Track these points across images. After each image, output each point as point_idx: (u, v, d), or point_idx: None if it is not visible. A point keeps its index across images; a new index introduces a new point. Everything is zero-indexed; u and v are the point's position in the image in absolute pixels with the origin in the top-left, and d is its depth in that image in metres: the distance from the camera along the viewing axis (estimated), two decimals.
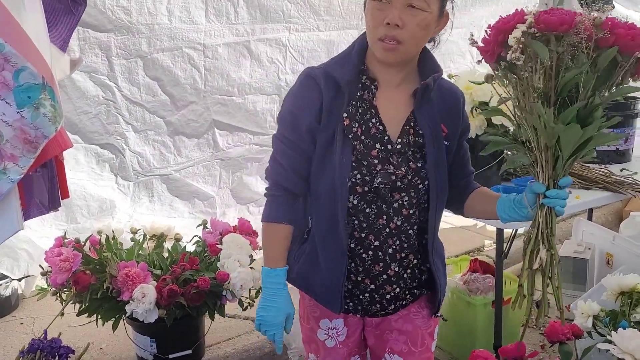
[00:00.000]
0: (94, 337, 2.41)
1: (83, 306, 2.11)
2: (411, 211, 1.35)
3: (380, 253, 1.35)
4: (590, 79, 1.13)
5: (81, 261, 2.10)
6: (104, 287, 2.06)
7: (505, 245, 2.28)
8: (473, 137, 2.14)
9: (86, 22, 2.51)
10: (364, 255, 1.36)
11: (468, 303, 2.38)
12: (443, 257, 1.48)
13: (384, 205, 1.33)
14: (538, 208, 1.24)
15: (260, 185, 3.28)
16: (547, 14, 1.12)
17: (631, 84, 1.19)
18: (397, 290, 1.39)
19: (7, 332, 2.59)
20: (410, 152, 1.33)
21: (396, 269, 1.37)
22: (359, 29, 3.57)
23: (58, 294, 2.16)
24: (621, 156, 2.71)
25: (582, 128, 1.13)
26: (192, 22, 2.78)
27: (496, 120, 2.12)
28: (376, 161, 1.31)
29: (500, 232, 2.28)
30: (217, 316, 2.23)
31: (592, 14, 1.13)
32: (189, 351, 2.24)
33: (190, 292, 2.07)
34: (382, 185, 1.31)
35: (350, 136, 1.30)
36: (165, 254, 2.32)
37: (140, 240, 2.35)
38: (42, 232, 2.73)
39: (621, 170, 2.55)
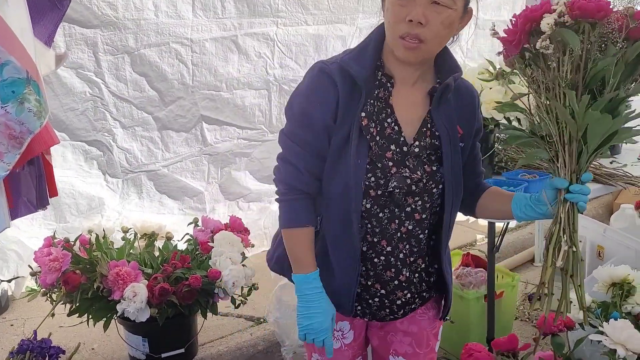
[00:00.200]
0: (85, 337, 2.38)
1: (73, 306, 2.08)
2: (424, 216, 1.31)
3: (392, 259, 1.31)
4: (619, 70, 1.10)
5: (71, 261, 2.07)
6: (95, 287, 2.03)
7: (496, 239, 2.28)
8: None
9: (72, 17, 2.47)
10: (375, 260, 1.32)
11: (461, 297, 2.39)
12: (450, 260, 1.44)
13: (396, 209, 1.28)
14: (560, 204, 1.19)
15: (249, 180, 3.26)
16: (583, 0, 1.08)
17: None
18: (408, 295, 1.35)
19: None
20: (425, 155, 1.28)
21: (407, 274, 1.33)
22: (348, 23, 3.59)
23: (48, 295, 2.13)
24: (611, 148, 2.73)
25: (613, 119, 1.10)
26: (179, 17, 2.75)
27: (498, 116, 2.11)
28: (391, 163, 1.25)
29: (491, 226, 2.29)
30: (209, 314, 2.21)
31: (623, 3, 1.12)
32: (182, 350, 2.22)
33: (181, 290, 2.05)
34: (397, 190, 1.26)
35: (368, 137, 1.24)
36: (157, 253, 2.30)
37: (131, 240, 2.33)
38: (32, 232, 2.70)
39: (611, 163, 2.57)
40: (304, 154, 1.26)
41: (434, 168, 1.29)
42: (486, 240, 2.44)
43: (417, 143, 1.27)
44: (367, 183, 1.25)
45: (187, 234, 2.41)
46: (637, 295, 1.91)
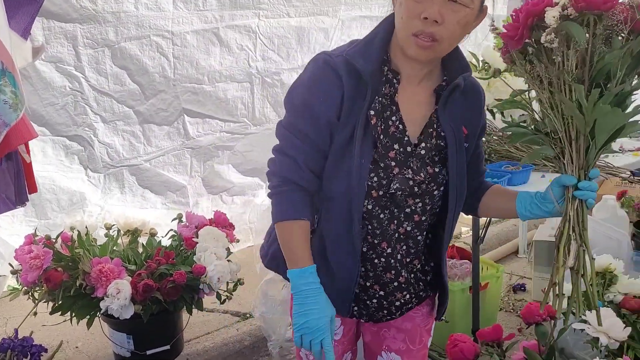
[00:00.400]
0: (68, 335, 2.36)
1: (56, 304, 2.06)
2: (423, 218, 1.27)
3: (392, 260, 1.27)
4: (625, 63, 1.07)
5: (52, 258, 2.04)
6: (77, 284, 2.01)
7: (481, 231, 2.30)
8: None
9: (51, 11, 2.43)
10: (375, 261, 1.27)
11: None
12: (446, 261, 1.41)
13: (396, 210, 1.24)
14: (569, 201, 1.16)
15: (232, 174, 3.25)
16: None
17: None
18: (407, 297, 1.32)
19: None
20: (429, 156, 1.23)
21: (406, 276, 1.30)
22: (330, 15, 3.57)
23: (30, 293, 2.10)
24: None
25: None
26: (159, 9, 2.71)
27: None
28: (393, 164, 1.20)
29: (475, 218, 2.30)
30: (195, 310, 2.20)
31: None
32: (167, 347, 2.21)
33: (166, 286, 2.03)
34: (400, 192, 1.21)
35: (375, 136, 1.18)
36: (140, 249, 2.28)
37: (114, 236, 2.30)
38: (12, 229, 2.66)
39: None
40: (303, 148, 1.19)
41: (437, 169, 1.24)
42: (471, 232, 2.45)
43: (423, 145, 1.22)
44: (369, 183, 1.20)
45: (171, 229, 2.39)
46: (619, 284, 1.93)
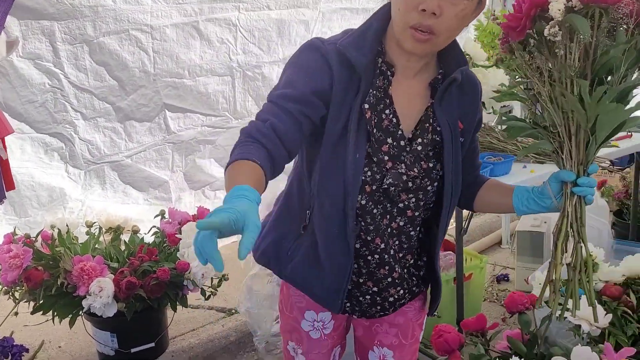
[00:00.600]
0: (51, 335, 2.33)
1: (37, 304, 2.03)
2: (416, 213, 1.24)
3: (385, 256, 1.25)
4: (629, 57, 1.05)
5: (32, 257, 2.01)
6: (59, 283, 1.99)
7: (464, 222, 2.31)
8: None
9: (27, 6, 2.38)
10: (369, 258, 1.25)
11: None
12: (439, 256, 1.38)
13: (389, 205, 1.22)
14: (567, 197, 1.14)
15: (214, 168, 3.23)
16: None
17: None
18: (401, 292, 1.31)
19: None
20: (422, 152, 1.20)
21: (400, 271, 1.28)
22: (310, 7, 3.55)
23: (10, 293, 2.08)
24: None
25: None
26: (137, 2, 2.68)
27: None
28: (387, 158, 1.17)
29: (458, 209, 2.31)
30: (180, 307, 2.19)
31: None
32: (152, 344, 2.20)
33: (149, 283, 2.02)
34: (393, 187, 1.18)
35: (369, 129, 1.15)
36: (123, 247, 2.26)
37: (96, 234, 2.28)
38: None
39: None
40: (277, 112, 1.10)
41: (431, 165, 1.21)
42: (454, 225, 2.46)
43: (419, 140, 1.20)
44: (362, 178, 1.17)
45: (154, 226, 2.37)
46: (600, 271, 1.95)
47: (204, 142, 3.15)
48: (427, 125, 1.20)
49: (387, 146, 1.17)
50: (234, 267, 2.47)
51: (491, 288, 3.07)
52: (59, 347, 2.35)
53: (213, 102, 3.08)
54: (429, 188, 1.23)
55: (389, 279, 1.27)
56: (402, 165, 1.18)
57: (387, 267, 1.26)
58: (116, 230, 2.31)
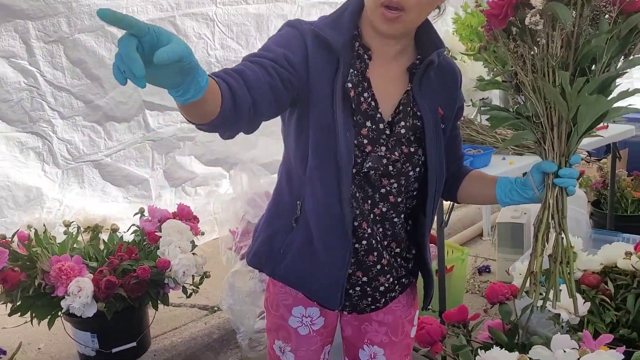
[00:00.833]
0: (30, 337, 2.30)
1: (14, 305, 2.00)
2: (399, 199, 1.23)
3: (373, 241, 1.23)
4: (612, 46, 1.03)
5: (9, 258, 1.98)
6: (36, 284, 1.96)
7: (445, 215, 2.32)
8: None
9: None
10: (356, 245, 1.23)
11: None
12: (428, 247, 1.37)
13: (370, 190, 1.21)
14: (548, 189, 1.13)
15: (194, 165, 3.20)
16: None
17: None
18: (390, 280, 1.29)
19: None
20: (404, 136, 1.19)
21: (388, 258, 1.26)
22: (289, 1, 3.52)
23: None
24: None
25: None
26: None
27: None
28: (366, 141, 1.17)
29: (439, 202, 2.32)
30: (162, 306, 2.17)
31: None
32: (134, 343, 2.17)
33: (129, 282, 2.00)
34: (373, 171, 1.18)
35: (354, 107, 1.15)
36: (102, 246, 2.23)
37: (74, 233, 2.25)
38: None
39: None
40: (248, 65, 1.05)
41: (412, 149, 1.21)
42: (435, 216, 2.47)
43: (402, 124, 1.19)
44: None
45: (134, 224, 2.34)
46: (578, 260, 1.97)
47: (184, 138, 3.12)
48: (409, 109, 1.20)
49: (366, 129, 1.17)
50: (215, 265, 2.47)
51: (473, 280, 3.09)
52: (39, 349, 2.32)
53: None
54: (411, 173, 1.22)
55: (378, 267, 1.26)
56: (382, 148, 1.18)
57: (375, 254, 1.25)
58: (95, 229, 2.28)
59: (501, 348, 1.52)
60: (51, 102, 2.62)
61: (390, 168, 1.19)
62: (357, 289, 1.28)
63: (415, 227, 1.31)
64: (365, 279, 1.27)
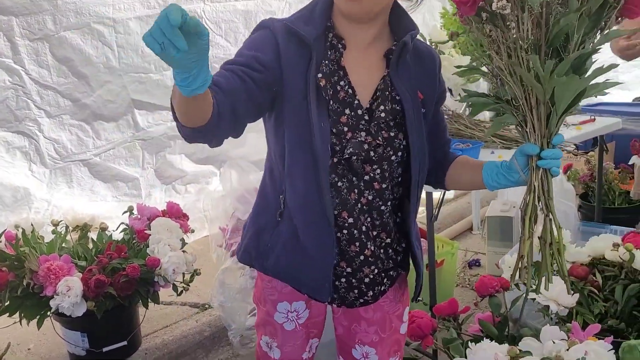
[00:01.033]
0: (19, 338, 2.28)
1: (2, 306, 1.98)
2: (384, 185, 1.24)
3: (355, 231, 1.24)
4: (583, 24, 1.03)
5: None
6: (24, 284, 1.94)
7: (434, 209, 2.33)
8: None
9: None
10: (338, 235, 1.24)
11: None
12: (419, 237, 1.38)
13: (354, 178, 1.22)
14: (533, 171, 1.13)
15: (185, 163, 3.19)
16: None
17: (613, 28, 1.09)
18: (375, 271, 1.28)
19: None
20: (384, 120, 1.20)
21: (372, 249, 1.26)
22: None
23: None
24: None
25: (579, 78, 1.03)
26: None
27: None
28: (346, 128, 1.18)
29: (429, 196, 2.32)
30: (152, 304, 2.16)
31: None
32: (124, 342, 2.16)
33: (119, 281, 1.98)
34: (354, 157, 1.19)
35: (327, 98, 1.17)
36: (90, 245, 2.22)
37: (62, 233, 2.23)
38: None
39: None
40: (222, 73, 1.09)
41: (392, 134, 1.22)
42: (424, 212, 2.48)
43: (381, 107, 1.20)
44: None
45: (123, 223, 2.33)
46: (567, 252, 1.99)
47: (175, 137, 3.09)
48: (387, 93, 1.21)
49: (346, 117, 1.19)
50: (206, 262, 2.46)
51: (463, 274, 3.11)
52: (28, 349, 2.30)
53: None
54: (393, 158, 1.23)
55: (362, 257, 1.26)
56: (362, 133, 1.20)
57: (357, 244, 1.25)
58: (83, 228, 2.26)
59: (491, 340, 1.53)
60: (37, 100, 2.60)
61: (372, 153, 1.21)
62: (343, 280, 1.28)
63: (404, 219, 1.31)
64: (349, 269, 1.27)
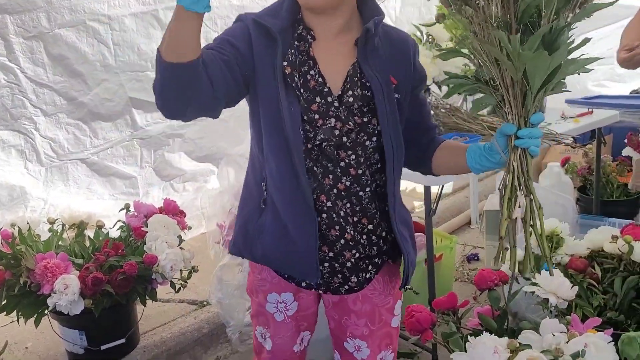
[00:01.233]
0: (17, 336, 2.27)
1: (0, 304, 1.98)
2: (360, 171, 1.26)
3: (334, 215, 1.26)
4: (551, 0, 1.02)
5: None
6: (21, 282, 1.94)
7: (433, 204, 2.32)
8: None
9: None
10: (318, 219, 1.26)
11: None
12: (410, 225, 1.39)
13: (329, 164, 1.24)
14: (511, 151, 1.13)
15: (183, 161, 3.17)
16: None
17: (596, 1, 1.08)
18: (357, 255, 1.30)
19: None
20: (356, 106, 1.23)
21: (352, 233, 1.28)
22: None
23: None
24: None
25: (550, 55, 1.02)
26: None
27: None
28: (317, 116, 1.22)
29: (427, 190, 2.32)
30: (150, 302, 2.15)
31: None
32: (122, 340, 2.16)
33: (116, 278, 1.98)
34: (325, 143, 1.22)
35: (293, 84, 1.21)
36: (87, 243, 2.21)
37: (59, 231, 2.22)
38: None
39: None
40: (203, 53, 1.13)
41: (365, 119, 1.24)
42: (423, 206, 2.47)
43: (350, 93, 1.23)
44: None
45: (119, 220, 2.32)
46: (565, 246, 1.99)
47: (173, 136, 3.09)
48: (356, 79, 1.24)
49: (316, 105, 1.22)
50: (203, 259, 2.45)
51: (462, 268, 3.10)
52: (26, 348, 2.30)
53: None
54: (367, 143, 1.26)
55: (342, 241, 1.29)
56: (332, 119, 1.23)
57: (337, 228, 1.28)
58: (80, 226, 2.26)
59: (491, 334, 1.53)
60: (33, 99, 2.58)
61: (345, 139, 1.24)
62: (326, 265, 1.31)
63: (385, 205, 1.32)
64: (331, 254, 1.30)
